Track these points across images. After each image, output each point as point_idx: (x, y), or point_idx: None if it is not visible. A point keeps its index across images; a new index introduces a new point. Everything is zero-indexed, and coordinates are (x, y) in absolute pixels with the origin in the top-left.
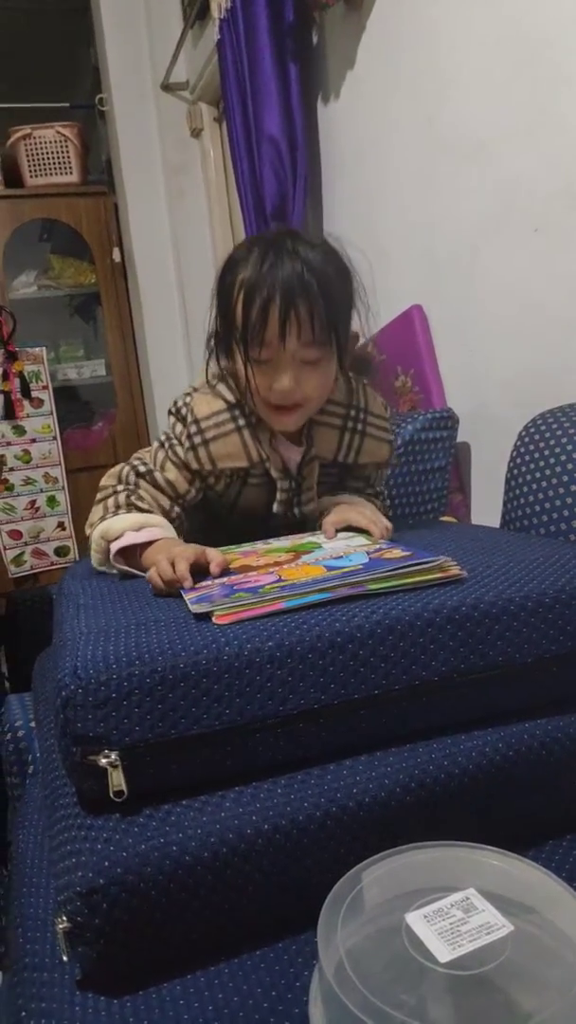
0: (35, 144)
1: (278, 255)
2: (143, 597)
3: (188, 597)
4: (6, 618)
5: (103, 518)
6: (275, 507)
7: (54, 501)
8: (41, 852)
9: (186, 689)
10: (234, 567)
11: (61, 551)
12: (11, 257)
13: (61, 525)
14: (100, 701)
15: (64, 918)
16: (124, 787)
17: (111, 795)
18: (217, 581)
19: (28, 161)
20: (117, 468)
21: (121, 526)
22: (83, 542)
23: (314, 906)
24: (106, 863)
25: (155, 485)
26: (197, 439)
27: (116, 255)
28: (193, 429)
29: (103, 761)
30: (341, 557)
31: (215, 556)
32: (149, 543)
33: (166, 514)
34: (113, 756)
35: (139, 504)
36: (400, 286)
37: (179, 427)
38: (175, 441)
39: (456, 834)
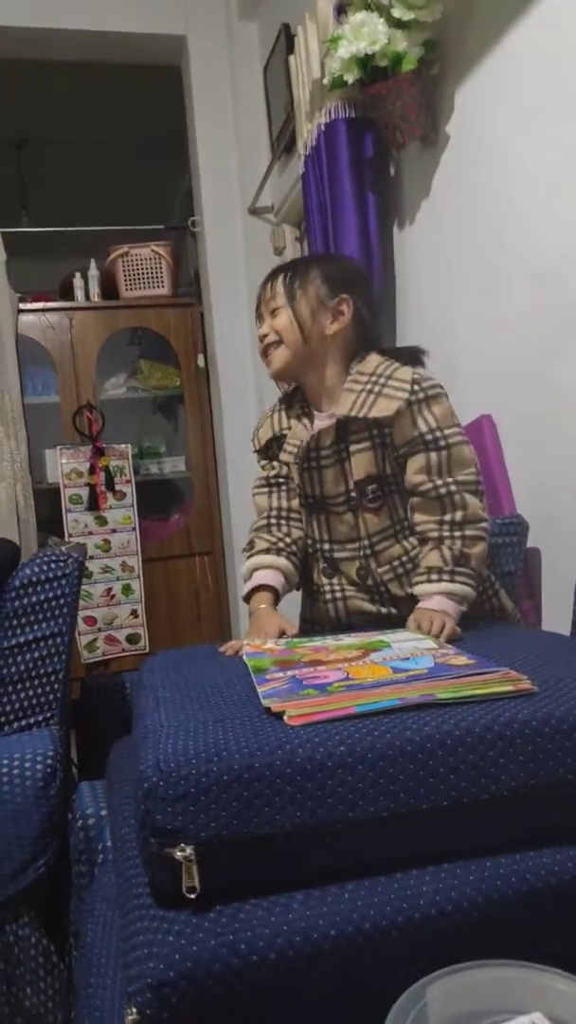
0: (131, 261)
1: None
2: (219, 690)
3: (261, 690)
4: (79, 703)
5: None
6: (299, 473)
7: (129, 589)
8: (109, 943)
9: (260, 788)
10: (305, 661)
11: (132, 638)
12: (104, 361)
13: (134, 613)
14: (180, 795)
15: (134, 1009)
16: (197, 883)
17: (184, 890)
18: (288, 673)
19: (124, 275)
20: None
21: (243, 572)
22: (154, 630)
23: (377, 1018)
24: (177, 956)
25: (258, 512)
26: (253, 432)
27: (200, 360)
28: (254, 428)
29: (179, 854)
30: (408, 659)
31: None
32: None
33: (269, 526)
34: (189, 850)
35: (251, 548)
36: (471, 396)
37: None
38: None
39: (521, 953)
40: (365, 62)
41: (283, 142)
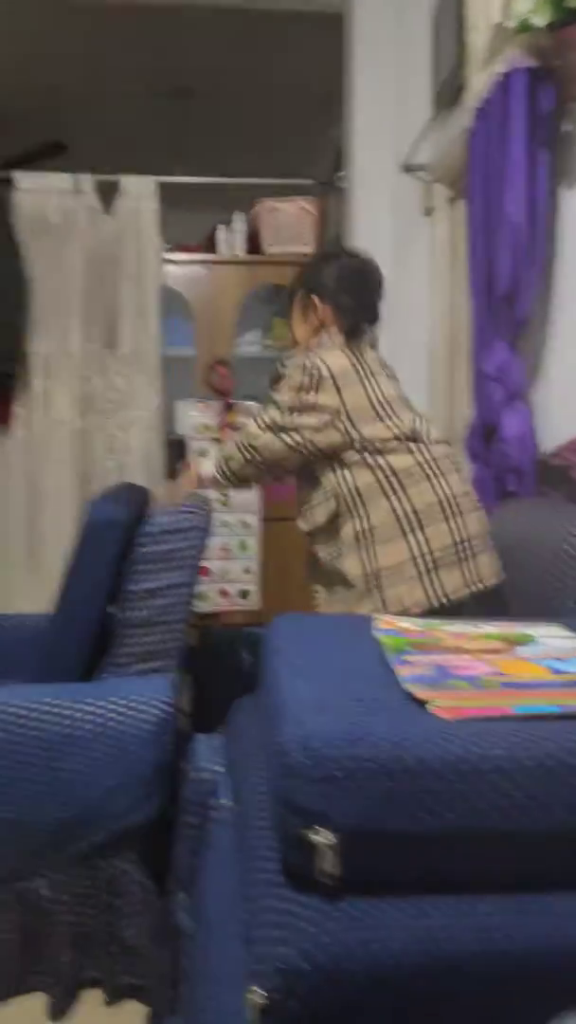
0: (277, 216)
1: None
2: (354, 666)
3: (401, 673)
4: (196, 651)
5: None
6: None
7: (244, 546)
8: (230, 910)
9: (408, 782)
10: (445, 646)
11: (243, 594)
12: (241, 317)
13: (247, 570)
14: (323, 776)
15: (259, 990)
16: (335, 870)
17: (320, 875)
18: (428, 658)
19: (268, 231)
20: None
21: None
22: (266, 588)
23: None
24: (309, 945)
25: None
26: None
27: None
28: None
29: (318, 838)
30: (565, 660)
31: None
32: None
33: None
34: (328, 836)
35: None
36: None
37: None
38: None
39: None
40: (559, 2)
41: (447, 95)
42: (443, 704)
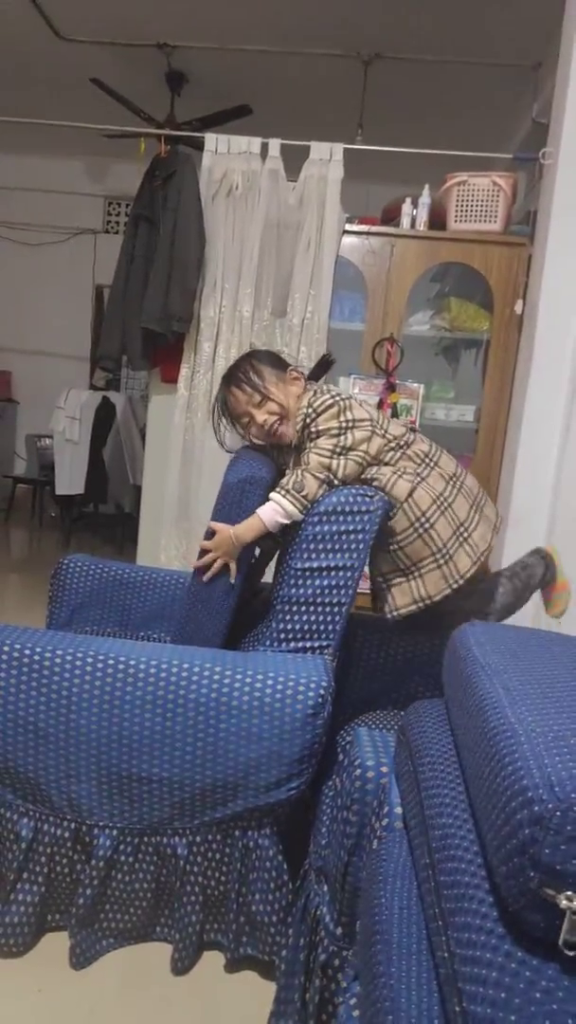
0: (467, 191)
1: None
2: (564, 686)
3: None
4: None
5: None
6: None
7: None
8: (410, 931)
9: None
10: None
11: None
12: (413, 294)
13: None
14: None
15: None
16: None
17: (561, 944)
18: None
19: (456, 206)
20: None
21: None
22: None
23: None
24: (547, 1023)
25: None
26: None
27: (518, 307)
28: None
29: (565, 903)
30: None
31: None
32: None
33: None
34: None
35: None
36: None
37: None
38: None
39: None
40: None
41: None
42: None
